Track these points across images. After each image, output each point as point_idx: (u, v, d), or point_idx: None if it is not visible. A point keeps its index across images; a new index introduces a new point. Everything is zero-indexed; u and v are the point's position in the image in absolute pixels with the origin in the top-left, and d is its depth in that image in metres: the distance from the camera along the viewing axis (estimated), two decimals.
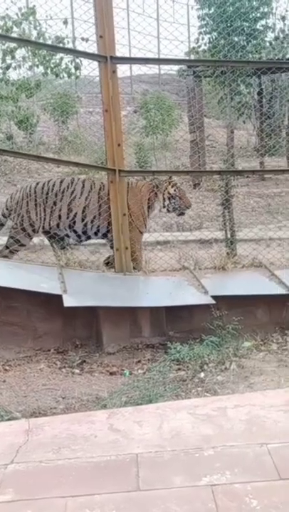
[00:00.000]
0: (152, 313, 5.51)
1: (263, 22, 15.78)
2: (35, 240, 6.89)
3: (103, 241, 6.75)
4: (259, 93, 15.21)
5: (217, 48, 14.47)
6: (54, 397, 4.40)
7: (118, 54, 5.90)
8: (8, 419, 3.87)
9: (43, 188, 6.48)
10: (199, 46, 15.52)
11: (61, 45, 12.70)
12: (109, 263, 6.30)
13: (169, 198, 6.55)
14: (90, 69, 6.60)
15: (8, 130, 16.02)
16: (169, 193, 6.54)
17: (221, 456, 3.06)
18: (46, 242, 6.85)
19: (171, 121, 15.93)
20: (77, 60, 13.24)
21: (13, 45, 12.80)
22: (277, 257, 6.32)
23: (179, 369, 4.80)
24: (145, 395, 4.24)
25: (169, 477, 2.89)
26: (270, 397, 3.81)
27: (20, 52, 13.47)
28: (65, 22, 13.31)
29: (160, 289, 5.80)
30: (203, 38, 15.58)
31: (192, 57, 15.14)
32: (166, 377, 4.62)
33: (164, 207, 6.60)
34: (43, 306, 5.45)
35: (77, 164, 9.27)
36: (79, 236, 6.52)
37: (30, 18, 12.93)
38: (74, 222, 6.43)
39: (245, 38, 14.95)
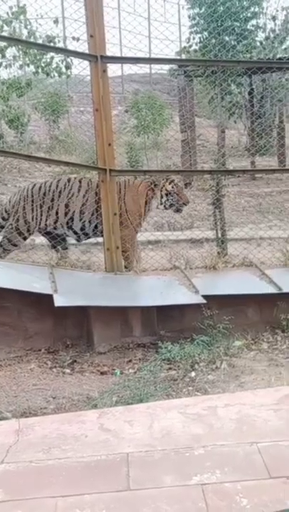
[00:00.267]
0: (143, 312, 5.51)
1: (253, 22, 15.84)
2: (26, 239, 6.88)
3: (94, 241, 6.75)
4: (250, 93, 15.26)
5: (208, 47, 14.49)
6: (44, 397, 4.39)
7: (109, 53, 5.90)
8: None
9: (40, 189, 6.52)
10: (190, 46, 15.56)
11: (52, 44, 12.69)
12: None
13: (166, 195, 6.57)
14: (81, 68, 6.57)
15: None
16: (166, 190, 6.56)
17: (212, 455, 3.06)
18: (37, 241, 6.84)
19: (162, 121, 15.95)
20: (68, 59, 13.22)
21: (3, 44, 12.77)
22: (268, 257, 6.33)
23: (170, 368, 4.81)
24: (136, 394, 4.24)
25: (159, 476, 2.89)
26: (260, 396, 3.82)
27: (11, 51, 13.46)
28: (56, 21, 13.29)
29: (151, 289, 5.79)
30: (194, 38, 15.62)
31: (183, 56, 15.16)
32: (157, 376, 4.62)
33: (161, 203, 6.61)
34: (33, 306, 5.43)
35: (67, 164, 9.28)
36: (77, 235, 6.53)
37: (21, 16, 12.90)
38: (72, 221, 6.45)
39: (235, 37, 14.98)
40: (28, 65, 14.37)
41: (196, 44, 15.68)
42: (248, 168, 12.40)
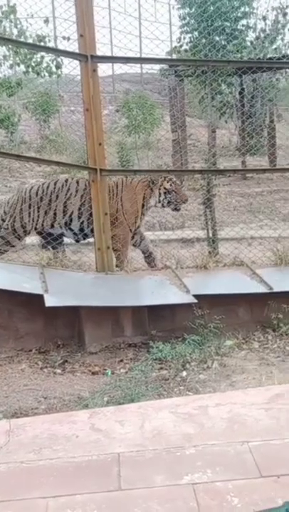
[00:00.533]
0: (134, 312, 5.51)
1: (244, 22, 15.89)
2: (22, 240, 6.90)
3: (85, 241, 6.74)
4: (240, 92, 15.28)
5: (198, 47, 14.51)
6: (36, 398, 4.37)
7: (99, 53, 5.88)
8: None
9: (37, 191, 6.54)
10: (181, 45, 15.58)
11: (42, 43, 12.66)
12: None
13: (164, 193, 6.59)
14: (71, 67, 6.59)
15: None
16: (164, 188, 6.58)
17: (203, 454, 3.06)
18: (28, 241, 6.84)
19: (153, 121, 15.95)
20: (59, 59, 13.21)
21: None
22: (259, 256, 6.35)
23: (161, 368, 4.81)
24: (127, 394, 4.24)
25: (150, 476, 2.89)
26: (251, 396, 3.82)
27: (1, 51, 13.43)
28: (46, 20, 13.27)
29: (142, 288, 5.80)
30: (184, 38, 15.65)
31: (174, 56, 15.18)
32: (149, 376, 4.62)
33: (159, 202, 6.63)
34: (24, 306, 5.42)
35: (58, 163, 9.27)
36: (76, 235, 6.54)
37: (11, 16, 12.87)
38: (71, 221, 6.47)
39: (226, 37, 15.01)
40: (18, 65, 14.34)
41: (187, 44, 15.71)
42: (239, 168, 12.44)
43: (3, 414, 4.02)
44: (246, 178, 13.29)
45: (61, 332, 5.49)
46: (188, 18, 15.67)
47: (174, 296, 5.45)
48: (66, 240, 6.73)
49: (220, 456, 3.03)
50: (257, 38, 15.64)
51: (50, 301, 5.08)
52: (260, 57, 14.24)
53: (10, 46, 12.74)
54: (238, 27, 15.88)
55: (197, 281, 5.74)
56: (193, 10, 15.39)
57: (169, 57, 15.35)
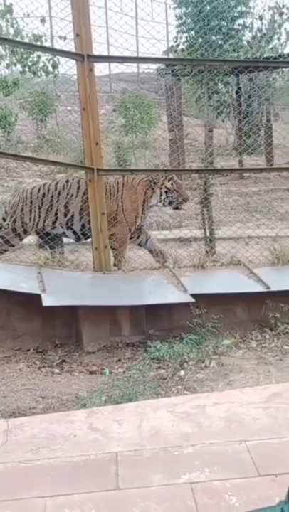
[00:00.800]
0: (132, 311, 5.51)
1: (240, 21, 15.89)
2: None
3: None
4: (237, 92, 15.28)
5: (194, 46, 14.51)
6: (33, 397, 4.37)
7: (95, 52, 5.90)
8: None
9: (38, 191, 6.55)
10: (178, 45, 15.57)
11: (38, 43, 12.66)
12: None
13: (166, 192, 6.59)
14: (68, 67, 6.57)
15: None
16: (166, 187, 6.58)
17: (200, 453, 3.06)
18: (25, 241, 6.83)
19: (150, 120, 15.93)
20: (55, 59, 13.20)
21: None
22: (256, 255, 6.35)
23: (159, 367, 4.81)
24: (125, 393, 4.24)
25: (148, 475, 2.89)
26: (249, 395, 3.82)
27: None
28: (43, 20, 13.26)
29: (140, 288, 5.80)
30: (181, 37, 15.64)
31: (170, 55, 15.17)
32: (146, 375, 4.62)
33: (160, 201, 6.63)
34: (22, 305, 5.42)
35: (55, 163, 9.25)
36: (77, 235, 6.54)
37: (7, 15, 12.86)
38: (72, 221, 6.45)
39: (222, 37, 15.02)
40: (14, 64, 14.32)
41: (183, 43, 15.71)
42: (236, 167, 12.42)
43: (1, 413, 4.02)
44: (243, 177, 13.29)
45: (59, 332, 5.48)
46: (184, 18, 15.65)
47: (171, 295, 5.45)
48: (65, 239, 6.73)
49: (218, 455, 3.04)
50: (253, 37, 15.65)
51: (47, 301, 5.08)
52: (257, 56, 14.25)
53: (6, 46, 12.72)
54: (235, 26, 15.89)
55: (194, 281, 5.75)
56: (189, 9, 15.38)
57: (166, 56, 15.36)
